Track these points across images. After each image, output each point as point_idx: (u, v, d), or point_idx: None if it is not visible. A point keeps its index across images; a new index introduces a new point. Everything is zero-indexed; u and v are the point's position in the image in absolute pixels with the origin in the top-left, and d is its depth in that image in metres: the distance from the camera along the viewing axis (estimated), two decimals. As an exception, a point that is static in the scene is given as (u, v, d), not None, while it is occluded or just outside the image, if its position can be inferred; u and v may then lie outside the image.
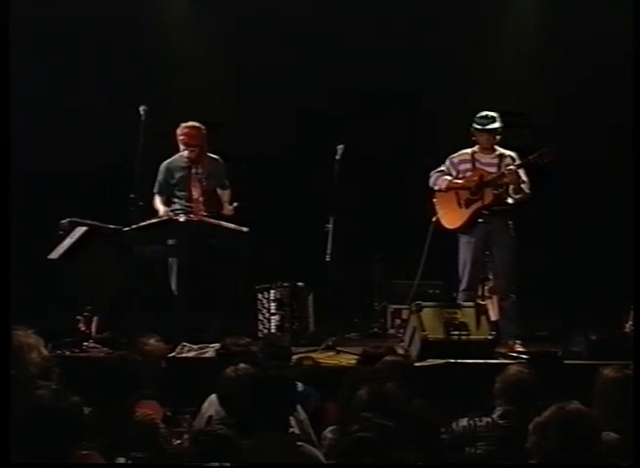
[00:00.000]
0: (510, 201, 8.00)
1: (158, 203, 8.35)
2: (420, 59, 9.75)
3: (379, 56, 9.85)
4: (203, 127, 8.34)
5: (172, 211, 8.20)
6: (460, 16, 9.72)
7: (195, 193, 8.28)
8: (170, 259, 8.25)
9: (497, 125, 8.07)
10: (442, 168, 8.29)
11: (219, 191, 8.41)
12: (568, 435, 4.01)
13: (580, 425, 4.06)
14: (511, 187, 7.93)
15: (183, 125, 8.31)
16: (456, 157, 8.26)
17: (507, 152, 8.11)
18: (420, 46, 9.68)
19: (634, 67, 8.54)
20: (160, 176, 8.41)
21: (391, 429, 4.11)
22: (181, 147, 8.32)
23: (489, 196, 8.00)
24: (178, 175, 8.37)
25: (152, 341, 6.07)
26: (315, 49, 9.78)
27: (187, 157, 8.28)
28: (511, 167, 7.95)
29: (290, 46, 9.78)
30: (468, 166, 8.18)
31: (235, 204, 8.30)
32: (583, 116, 9.53)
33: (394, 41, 9.74)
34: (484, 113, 8.09)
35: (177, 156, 8.40)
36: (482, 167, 8.11)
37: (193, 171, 8.31)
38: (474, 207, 8.08)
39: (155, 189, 8.40)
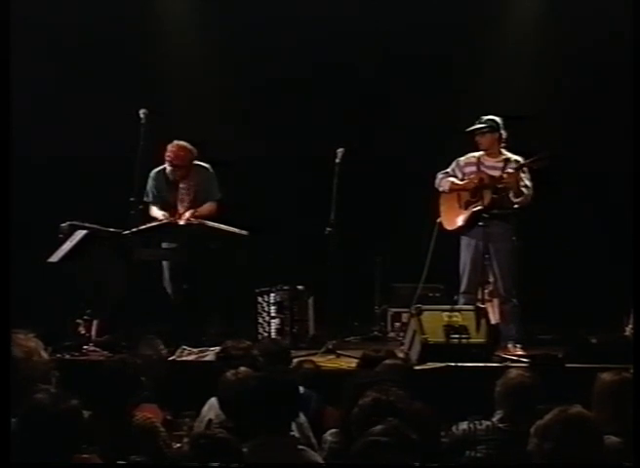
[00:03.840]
0: (515, 206, 8.01)
1: (155, 211, 8.32)
2: (420, 61, 9.75)
3: (378, 58, 9.86)
4: (193, 148, 8.30)
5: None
6: (461, 17, 9.72)
7: (181, 208, 8.28)
8: (163, 263, 8.26)
9: (480, 125, 8.10)
10: (448, 169, 8.32)
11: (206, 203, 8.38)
12: (569, 438, 4.01)
13: (582, 429, 4.06)
14: (511, 190, 7.93)
15: (174, 143, 8.28)
16: (462, 159, 8.29)
17: (514, 157, 8.11)
18: (419, 48, 9.68)
19: (634, 67, 8.55)
20: (149, 186, 8.40)
21: (414, 440, 4.11)
22: (167, 163, 8.31)
23: (487, 199, 8.02)
24: (165, 187, 8.37)
25: (156, 347, 6.09)
26: (315, 51, 9.77)
27: (173, 174, 8.29)
28: (510, 170, 7.95)
29: (291, 48, 9.78)
30: (473, 168, 8.21)
31: (190, 213, 8.20)
32: (584, 117, 9.54)
33: (394, 43, 9.74)
34: (480, 117, 8.13)
35: (167, 166, 8.38)
36: (486, 170, 8.14)
37: (181, 186, 8.31)
38: (472, 209, 8.10)
39: (148, 198, 8.36)
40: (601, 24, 9.39)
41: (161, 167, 8.41)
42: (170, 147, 8.29)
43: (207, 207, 8.37)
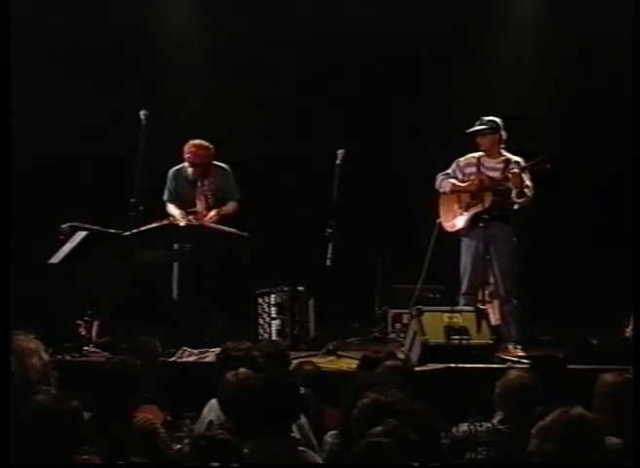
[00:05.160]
0: (515, 206, 8.01)
1: (172, 209, 8.35)
2: (420, 61, 9.75)
3: (378, 58, 9.85)
4: (211, 146, 8.33)
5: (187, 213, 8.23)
6: (461, 17, 9.72)
7: (200, 206, 8.33)
8: (174, 264, 8.26)
9: (481, 127, 8.09)
10: (448, 170, 8.32)
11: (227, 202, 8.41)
12: (570, 439, 4.01)
13: (584, 430, 4.05)
14: (514, 191, 7.93)
15: (191, 143, 8.30)
16: (462, 160, 8.29)
17: (514, 158, 8.12)
18: (420, 48, 9.68)
19: (634, 67, 8.55)
20: (169, 184, 8.48)
21: (414, 441, 4.10)
22: (186, 163, 8.33)
23: (487, 200, 8.02)
24: (184, 186, 8.40)
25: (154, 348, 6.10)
26: (316, 51, 9.77)
27: (192, 173, 8.31)
28: (515, 170, 7.95)
29: (291, 48, 9.77)
30: (473, 169, 8.20)
31: (215, 211, 8.25)
32: (584, 117, 9.53)
33: (394, 43, 9.74)
34: (481, 118, 8.12)
35: (185, 165, 8.39)
36: (486, 171, 8.14)
37: (199, 184, 8.33)
38: (473, 211, 8.10)
39: (165, 197, 8.45)
40: (601, 24, 9.38)
41: (179, 166, 8.43)
42: (188, 147, 8.30)
43: (230, 206, 8.42)
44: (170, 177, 8.47)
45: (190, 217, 8.17)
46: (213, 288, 8.11)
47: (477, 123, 8.14)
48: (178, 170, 8.46)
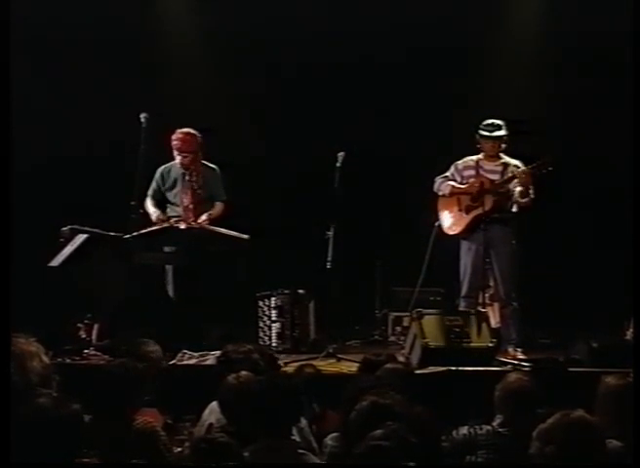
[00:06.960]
0: (514, 209, 8.01)
1: (150, 206, 8.34)
2: (422, 63, 9.74)
3: (379, 59, 9.85)
4: (198, 134, 8.30)
5: (168, 217, 8.20)
6: (460, 18, 9.71)
7: (186, 200, 8.28)
8: (166, 266, 8.25)
9: (502, 132, 8.09)
10: (447, 173, 8.32)
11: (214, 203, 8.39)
12: (571, 442, 4.01)
13: (585, 433, 4.05)
14: (519, 190, 7.91)
15: (178, 131, 8.29)
16: (460, 163, 8.29)
17: (513, 161, 8.12)
18: (420, 49, 9.68)
19: (634, 68, 8.55)
20: (154, 181, 8.43)
21: (415, 443, 4.10)
22: (175, 153, 8.31)
23: (488, 203, 8.01)
24: (172, 181, 8.38)
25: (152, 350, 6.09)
26: (316, 51, 9.76)
27: (180, 163, 8.28)
28: (523, 168, 7.93)
29: (291, 48, 9.77)
30: (472, 172, 8.20)
31: (207, 215, 8.21)
32: (584, 119, 9.53)
33: (394, 44, 9.73)
34: (490, 121, 8.09)
35: (174, 162, 8.39)
36: (485, 174, 8.14)
37: (186, 178, 8.31)
38: (474, 213, 8.09)
39: (149, 192, 8.40)
40: (601, 24, 9.38)
41: (169, 164, 8.42)
42: (175, 135, 8.28)
43: (218, 208, 8.37)
44: (157, 174, 8.43)
45: (172, 221, 8.13)
46: (213, 290, 8.10)
47: (487, 127, 8.07)
48: (167, 166, 8.43)
